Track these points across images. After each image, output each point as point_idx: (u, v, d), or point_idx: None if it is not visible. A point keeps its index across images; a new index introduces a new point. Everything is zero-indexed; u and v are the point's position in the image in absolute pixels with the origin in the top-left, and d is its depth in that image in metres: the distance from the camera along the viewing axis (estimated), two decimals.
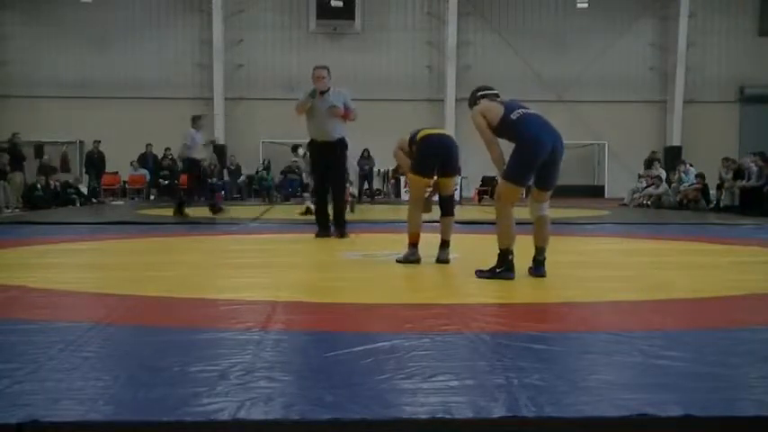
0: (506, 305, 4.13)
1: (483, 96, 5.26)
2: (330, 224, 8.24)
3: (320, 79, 8.06)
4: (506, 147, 5.02)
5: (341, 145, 8.20)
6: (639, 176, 20.07)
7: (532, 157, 4.88)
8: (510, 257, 4.91)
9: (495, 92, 5.30)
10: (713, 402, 2.24)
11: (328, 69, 8.21)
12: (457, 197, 21.04)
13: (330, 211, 8.32)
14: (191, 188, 12.71)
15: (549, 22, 25.02)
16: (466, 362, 2.72)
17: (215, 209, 12.63)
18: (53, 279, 4.86)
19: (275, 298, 4.08)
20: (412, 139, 5.98)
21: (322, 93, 8.05)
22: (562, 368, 2.65)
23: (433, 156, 5.86)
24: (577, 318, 3.74)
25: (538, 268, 5.01)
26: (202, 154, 12.67)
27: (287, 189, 20.59)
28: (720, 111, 25.18)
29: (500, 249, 4.93)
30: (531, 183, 5.10)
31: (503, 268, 4.89)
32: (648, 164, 20.02)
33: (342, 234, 8.09)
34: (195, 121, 12.48)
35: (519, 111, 5.00)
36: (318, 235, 8.14)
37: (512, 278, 4.85)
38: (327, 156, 8.17)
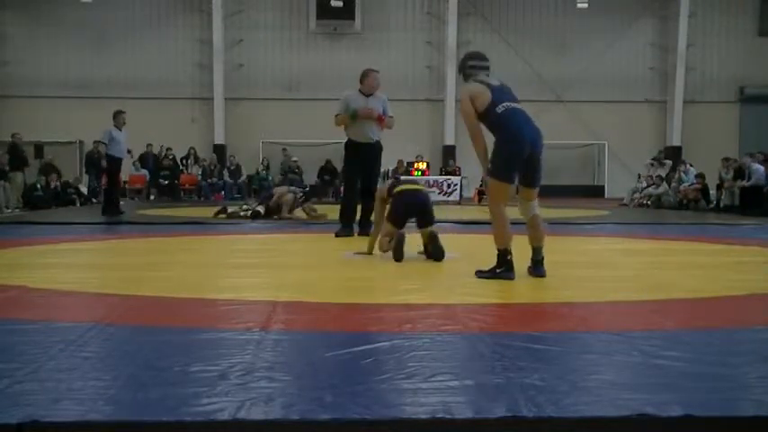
0: (506, 305, 4.13)
1: (473, 68, 5.14)
2: (354, 224, 8.35)
3: (373, 81, 8.33)
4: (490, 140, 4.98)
5: (378, 148, 8.47)
6: (639, 176, 20.06)
7: (515, 153, 4.86)
8: (509, 257, 4.90)
9: (487, 64, 5.19)
10: (713, 402, 2.24)
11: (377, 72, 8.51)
12: (457, 197, 21.01)
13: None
14: (108, 187, 12.74)
15: (549, 22, 25.02)
16: (466, 362, 2.72)
17: (113, 211, 12.40)
18: (53, 279, 4.85)
19: (275, 298, 4.08)
20: (389, 191, 6.29)
21: (367, 95, 8.31)
22: (562, 368, 2.64)
23: (402, 213, 6.12)
24: (577, 318, 3.74)
25: (537, 268, 5.00)
26: (123, 153, 12.70)
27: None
28: (720, 111, 25.18)
29: (498, 250, 4.92)
30: (518, 182, 5.08)
31: (503, 269, 4.88)
32: (660, 162, 19.95)
33: (367, 233, 8.17)
34: (115, 117, 12.38)
35: (505, 104, 4.94)
36: (339, 234, 8.18)
37: (512, 278, 4.84)
38: (365, 157, 8.37)
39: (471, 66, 5.16)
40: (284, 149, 22.71)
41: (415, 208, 6.13)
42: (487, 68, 5.17)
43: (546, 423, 2.07)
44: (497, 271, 4.88)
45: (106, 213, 12.18)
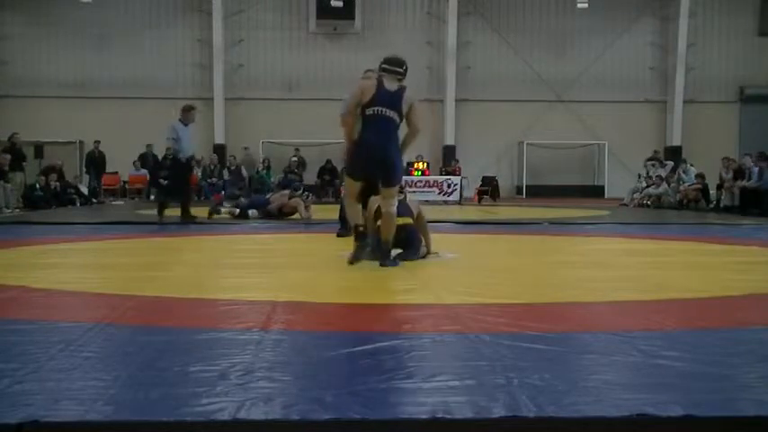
0: (506, 305, 4.12)
1: (383, 70, 5.66)
2: None
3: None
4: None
5: None
6: (639, 176, 20.05)
7: (362, 156, 5.51)
8: (360, 229, 5.62)
9: (399, 71, 5.65)
10: (713, 402, 2.24)
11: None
12: (456, 197, 21.02)
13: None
14: (177, 189, 11.47)
15: (549, 22, 25.00)
16: (466, 362, 2.72)
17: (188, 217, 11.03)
18: (53, 279, 4.86)
19: (275, 298, 4.08)
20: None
21: None
22: (562, 368, 2.65)
23: None
24: (577, 318, 3.74)
25: (383, 259, 5.49)
26: (187, 152, 11.11)
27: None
28: (720, 111, 25.17)
29: (353, 226, 5.67)
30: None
31: (358, 241, 5.57)
32: (661, 162, 19.96)
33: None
34: (182, 112, 11.09)
35: (376, 108, 5.48)
36: (340, 234, 8.16)
37: (367, 245, 5.59)
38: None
39: (383, 68, 5.70)
40: (297, 150, 22.78)
41: None
42: (398, 74, 5.65)
43: (546, 423, 2.07)
44: (357, 244, 5.57)
45: (183, 218, 10.92)
